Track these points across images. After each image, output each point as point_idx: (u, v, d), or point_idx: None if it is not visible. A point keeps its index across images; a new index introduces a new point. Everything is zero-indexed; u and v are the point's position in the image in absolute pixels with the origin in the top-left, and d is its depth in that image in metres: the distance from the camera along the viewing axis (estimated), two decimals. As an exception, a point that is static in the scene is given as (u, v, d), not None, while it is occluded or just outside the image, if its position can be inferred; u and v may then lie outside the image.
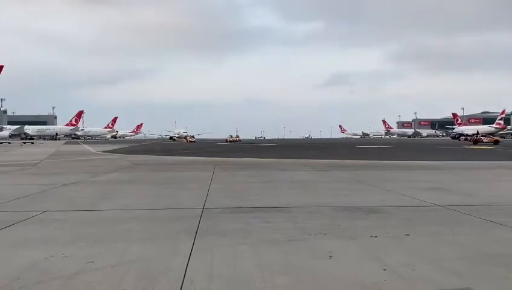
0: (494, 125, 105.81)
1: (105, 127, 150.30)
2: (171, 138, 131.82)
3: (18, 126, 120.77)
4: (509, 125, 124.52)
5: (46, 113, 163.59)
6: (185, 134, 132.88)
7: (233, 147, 48.82)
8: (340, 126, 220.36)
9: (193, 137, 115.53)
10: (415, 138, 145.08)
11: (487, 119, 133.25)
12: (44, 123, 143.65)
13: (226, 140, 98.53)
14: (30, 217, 6.51)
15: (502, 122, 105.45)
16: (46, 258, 4.34)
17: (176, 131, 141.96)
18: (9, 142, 76.59)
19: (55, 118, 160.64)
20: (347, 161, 21.92)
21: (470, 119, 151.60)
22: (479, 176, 13.88)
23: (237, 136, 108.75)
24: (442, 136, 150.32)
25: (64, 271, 3.96)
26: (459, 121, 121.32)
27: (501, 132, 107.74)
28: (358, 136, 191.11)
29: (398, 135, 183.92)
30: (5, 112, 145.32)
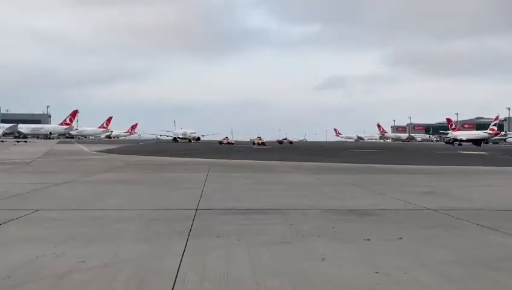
0: (487, 131, 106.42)
1: (100, 127, 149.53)
2: (174, 138, 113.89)
3: (11, 124, 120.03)
4: (502, 131, 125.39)
5: (41, 112, 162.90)
6: (194, 134, 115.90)
7: (228, 149, 48.76)
8: (335, 129, 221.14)
9: (227, 138, 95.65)
10: (409, 143, 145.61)
11: (481, 125, 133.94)
12: (38, 122, 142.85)
13: (253, 142, 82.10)
14: (21, 215, 6.46)
15: (495, 128, 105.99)
16: (37, 257, 4.30)
17: (181, 131, 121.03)
18: (2, 141, 76.06)
19: (50, 116, 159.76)
20: (341, 164, 21.98)
21: (464, 125, 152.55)
22: (472, 181, 13.94)
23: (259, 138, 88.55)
24: (437, 140, 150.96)
25: (55, 270, 3.93)
26: (453, 127, 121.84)
27: (494, 138, 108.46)
28: (353, 140, 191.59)
29: (392, 139, 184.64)
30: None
